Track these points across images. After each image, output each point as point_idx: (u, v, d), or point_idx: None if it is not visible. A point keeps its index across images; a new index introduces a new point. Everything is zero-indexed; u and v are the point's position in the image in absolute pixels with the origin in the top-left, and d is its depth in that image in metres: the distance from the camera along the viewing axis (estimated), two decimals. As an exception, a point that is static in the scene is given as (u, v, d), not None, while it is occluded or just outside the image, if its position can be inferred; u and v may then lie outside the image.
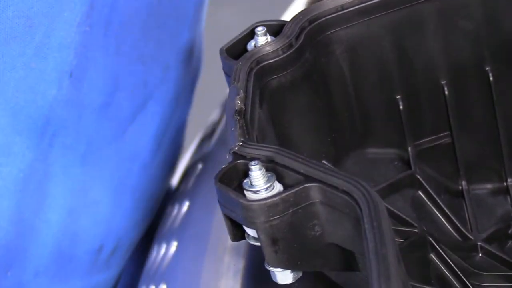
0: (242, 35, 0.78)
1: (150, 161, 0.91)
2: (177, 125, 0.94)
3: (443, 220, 0.81)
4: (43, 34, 0.75)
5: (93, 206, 0.87)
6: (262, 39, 0.76)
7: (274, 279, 0.68)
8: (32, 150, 0.78)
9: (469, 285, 0.75)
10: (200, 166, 0.95)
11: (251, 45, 0.77)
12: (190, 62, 0.95)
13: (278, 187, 0.64)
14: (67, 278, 0.88)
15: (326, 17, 0.79)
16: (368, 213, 0.59)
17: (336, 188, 0.63)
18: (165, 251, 0.87)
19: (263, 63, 0.75)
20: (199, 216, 0.86)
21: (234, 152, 0.67)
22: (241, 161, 0.66)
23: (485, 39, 0.82)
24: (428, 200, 0.82)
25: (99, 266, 0.90)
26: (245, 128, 0.69)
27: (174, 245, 0.86)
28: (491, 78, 0.83)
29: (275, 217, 0.64)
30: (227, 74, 0.76)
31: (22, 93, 0.75)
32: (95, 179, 0.86)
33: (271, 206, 0.64)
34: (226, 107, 0.72)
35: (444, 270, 0.75)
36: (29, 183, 0.79)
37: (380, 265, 0.56)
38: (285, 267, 0.67)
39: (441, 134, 0.85)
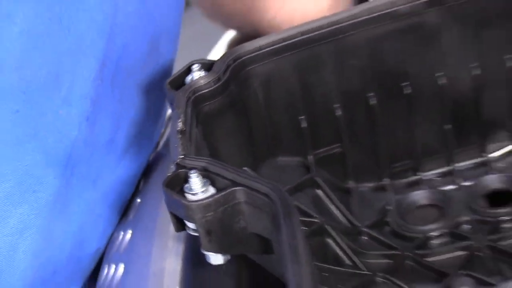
0: (181, 71, 0.78)
1: (132, 183, 0.91)
2: (149, 152, 0.93)
3: (336, 212, 0.82)
4: (67, 88, 0.75)
5: (95, 223, 0.87)
6: (197, 74, 0.77)
7: (208, 261, 0.68)
8: (59, 179, 0.78)
9: (357, 261, 0.76)
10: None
11: (188, 79, 0.77)
12: (163, 101, 0.95)
13: (211, 190, 0.65)
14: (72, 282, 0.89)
15: (246, 56, 0.79)
16: (282, 210, 0.60)
17: (257, 191, 0.63)
18: (122, 237, 0.87)
19: (198, 93, 0.76)
20: (149, 211, 0.85)
21: (177, 163, 0.68)
22: (183, 170, 0.66)
23: (369, 73, 0.83)
24: (325, 196, 0.82)
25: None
26: (185, 144, 0.70)
27: (129, 233, 0.86)
28: (373, 102, 0.84)
29: (209, 214, 0.64)
30: (170, 102, 0.76)
31: (51, 134, 0.75)
32: (100, 200, 0.86)
33: (206, 205, 0.64)
34: (170, 128, 0.73)
35: (338, 251, 0.76)
36: (56, 204, 0.79)
37: (292, 252, 0.57)
38: (217, 251, 0.67)
39: (334, 145, 0.85)
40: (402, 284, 0.71)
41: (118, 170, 0.88)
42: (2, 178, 0.75)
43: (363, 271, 0.74)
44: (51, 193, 0.79)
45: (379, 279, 0.73)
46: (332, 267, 0.73)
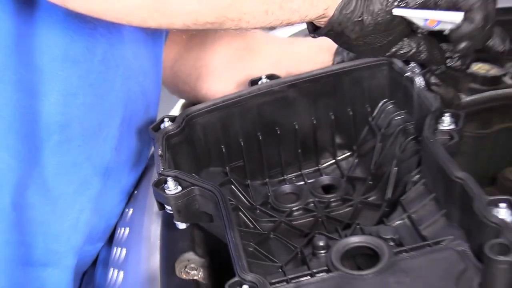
0: (158, 121, 0.76)
1: (136, 181, 0.88)
2: (145, 164, 0.90)
3: (242, 198, 0.79)
4: (105, 132, 0.75)
5: (118, 205, 0.85)
6: (167, 123, 0.75)
7: (177, 226, 0.67)
8: (101, 182, 0.76)
9: (256, 225, 0.74)
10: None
11: (162, 126, 0.75)
12: None
13: (179, 188, 0.64)
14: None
15: (193, 114, 0.78)
16: (221, 199, 0.61)
17: (206, 188, 0.63)
18: (127, 212, 0.85)
19: (168, 134, 0.74)
20: (142, 197, 0.83)
21: (160, 173, 0.66)
22: (163, 177, 0.65)
23: (258, 122, 0.81)
24: (236, 189, 0.80)
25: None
26: (164, 163, 0.68)
27: (131, 210, 0.83)
28: (260, 138, 0.82)
29: (178, 201, 0.64)
30: (153, 139, 0.74)
31: (97, 158, 0.75)
32: (121, 193, 0.84)
33: (176, 197, 0.64)
34: (154, 153, 0.72)
35: (245, 219, 0.74)
36: (100, 196, 0.78)
37: (228, 223, 0.58)
38: (182, 222, 0.66)
39: (239, 161, 0.82)
40: (284, 239, 0.70)
41: (131, 175, 0.84)
42: (70, 183, 0.74)
43: (261, 231, 0.73)
44: (97, 190, 0.78)
45: (271, 236, 0.71)
46: (244, 229, 0.72)
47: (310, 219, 0.76)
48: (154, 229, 0.72)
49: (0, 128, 0.67)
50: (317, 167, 0.85)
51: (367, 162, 0.80)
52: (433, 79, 0.75)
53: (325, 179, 0.83)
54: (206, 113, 0.78)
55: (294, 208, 0.78)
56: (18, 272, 0.75)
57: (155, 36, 0.84)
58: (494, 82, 0.97)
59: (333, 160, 0.85)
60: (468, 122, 0.98)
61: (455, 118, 0.66)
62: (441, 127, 0.65)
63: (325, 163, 0.86)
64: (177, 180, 0.64)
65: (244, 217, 0.74)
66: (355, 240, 0.60)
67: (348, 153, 0.85)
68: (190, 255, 0.66)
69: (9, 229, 0.71)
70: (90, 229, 0.79)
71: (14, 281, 0.75)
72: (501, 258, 0.48)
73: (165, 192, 0.63)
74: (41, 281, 0.77)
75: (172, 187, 0.63)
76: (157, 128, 0.74)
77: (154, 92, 0.85)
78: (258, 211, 0.78)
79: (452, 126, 0.65)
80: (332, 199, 0.78)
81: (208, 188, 0.62)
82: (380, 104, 0.82)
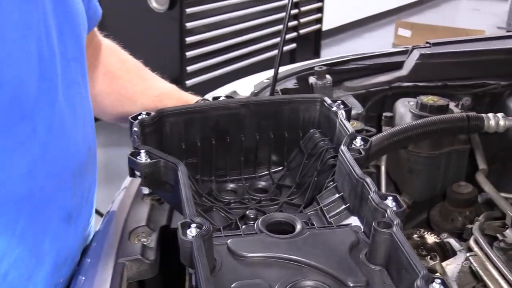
0: (137, 113, 0.80)
1: None
2: None
3: (192, 186, 0.81)
4: None
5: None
6: (144, 115, 0.79)
7: (142, 191, 0.72)
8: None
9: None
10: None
11: (140, 117, 0.79)
12: None
13: (149, 159, 0.69)
14: None
15: (165, 112, 0.82)
16: (181, 169, 0.65)
17: (168, 161, 0.68)
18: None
19: (143, 123, 0.78)
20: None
21: (135, 147, 0.71)
22: (137, 150, 0.70)
23: (213, 129, 0.86)
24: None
25: None
26: (140, 140, 0.73)
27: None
28: (213, 142, 0.87)
29: (146, 169, 0.69)
30: (130, 125, 0.77)
31: None
32: None
33: (145, 165, 0.69)
34: (132, 135, 0.75)
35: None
36: None
37: (183, 185, 0.62)
38: (147, 187, 0.71)
39: (194, 158, 0.86)
40: (224, 212, 0.77)
41: None
42: None
43: (207, 203, 0.78)
44: None
45: (213, 209, 0.77)
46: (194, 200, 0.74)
47: (243, 210, 0.80)
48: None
49: None
50: (254, 175, 0.91)
51: (294, 175, 0.88)
52: None
53: (259, 183, 0.89)
54: (175, 114, 0.83)
55: (232, 200, 0.83)
56: None
57: None
58: (441, 110, 1.09)
59: (267, 172, 0.92)
60: (420, 143, 1.09)
61: (365, 141, 0.75)
62: (353, 146, 0.75)
63: (261, 172, 0.92)
64: (148, 154, 0.70)
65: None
66: (279, 215, 0.68)
67: (280, 168, 0.92)
68: (143, 228, 0.74)
69: None
70: None
71: None
72: (384, 230, 0.58)
73: (137, 160, 0.69)
74: None
75: (143, 158, 0.69)
76: (135, 118, 0.78)
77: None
78: (203, 197, 0.82)
79: (362, 146, 0.75)
80: (263, 198, 0.84)
81: (172, 161, 0.68)
82: (311, 131, 0.90)
